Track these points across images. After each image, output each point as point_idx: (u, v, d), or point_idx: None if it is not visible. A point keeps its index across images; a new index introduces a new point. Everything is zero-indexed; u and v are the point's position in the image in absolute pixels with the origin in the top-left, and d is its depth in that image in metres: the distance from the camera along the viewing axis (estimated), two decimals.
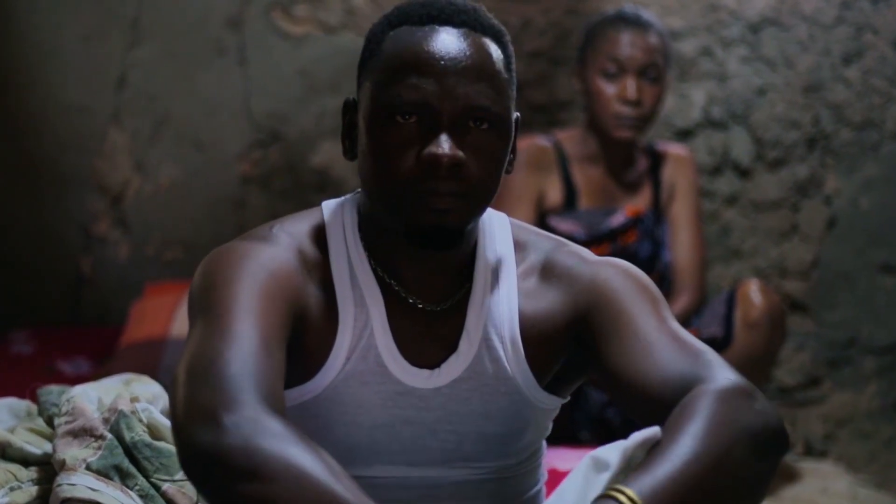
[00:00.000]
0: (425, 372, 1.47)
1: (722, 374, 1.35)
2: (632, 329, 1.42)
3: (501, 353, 1.49)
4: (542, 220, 2.94)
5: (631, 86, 2.85)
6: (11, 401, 1.76)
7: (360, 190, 1.52)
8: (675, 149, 3.10)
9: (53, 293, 3.58)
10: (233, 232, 3.46)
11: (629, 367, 1.40)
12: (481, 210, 1.45)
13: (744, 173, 3.48)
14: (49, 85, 3.52)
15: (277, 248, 1.45)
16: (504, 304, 1.50)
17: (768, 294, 2.87)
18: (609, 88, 2.87)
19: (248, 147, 3.53)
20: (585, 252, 1.54)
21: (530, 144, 2.95)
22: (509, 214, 1.60)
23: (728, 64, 3.45)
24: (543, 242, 1.55)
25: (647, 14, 2.96)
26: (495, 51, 1.43)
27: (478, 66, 1.40)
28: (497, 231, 1.53)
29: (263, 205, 3.53)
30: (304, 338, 1.44)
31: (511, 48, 1.46)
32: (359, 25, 3.48)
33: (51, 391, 1.71)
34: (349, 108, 1.48)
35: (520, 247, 1.54)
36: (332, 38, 3.51)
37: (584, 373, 1.55)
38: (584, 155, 2.97)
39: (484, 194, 1.43)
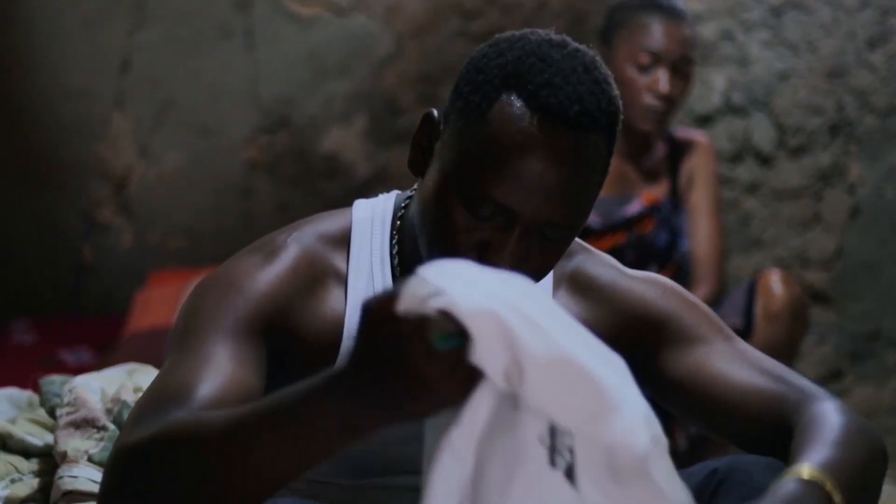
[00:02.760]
0: None
1: (819, 389, 1.36)
2: (703, 348, 1.41)
3: None
4: None
5: (664, 79, 2.82)
6: (12, 391, 1.76)
7: (408, 195, 1.43)
8: (694, 135, 3.09)
9: (55, 282, 3.60)
10: (238, 219, 3.48)
11: (715, 378, 1.38)
12: None
13: (765, 161, 3.47)
14: (50, 69, 3.52)
15: (276, 268, 1.36)
16: None
17: (790, 285, 2.85)
18: (640, 79, 2.84)
19: (255, 132, 3.53)
20: (617, 262, 1.48)
21: None
22: None
23: (749, 48, 3.44)
24: (580, 252, 1.48)
25: (678, 0, 2.93)
26: (601, 155, 1.31)
27: (572, 182, 1.28)
28: None
29: (270, 192, 3.53)
30: (302, 359, 1.36)
31: (619, 124, 1.34)
32: (369, 7, 3.49)
33: (52, 381, 1.70)
34: (431, 123, 1.36)
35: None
36: (342, 21, 3.50)
37: None
38: None
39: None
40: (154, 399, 1.24)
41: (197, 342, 1.28)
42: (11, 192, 3.57)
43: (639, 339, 1.43)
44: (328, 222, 1.43)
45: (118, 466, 1.17)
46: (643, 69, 2.83)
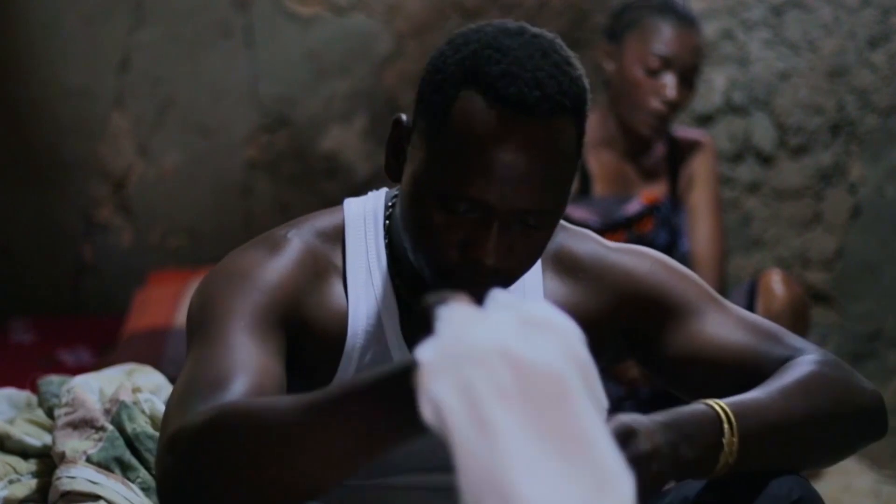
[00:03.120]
0: None
1: (814, 348, 1.37)
2: (697, 320, 1.42)
3: None
4: None
5: (672, 85, 2.83)
6: (11, 391, 1.75)
7: (395, 192, 1.44)
8: (694, 135, 3.09)
9: (54, 281, 3.59)
10: (238, 219, 3.48)
11: (711, 348, 1.40)
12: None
13: (766, 160, 3.47)
14: (50, 67, 3.51)
15: (283, 260, 1.38)
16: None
17: (790, 285, 2.85)
18: (647, 82, 2.84)
19: (255, 132, 3.53)
20: (597, 236, 1.49)
21: None
22: None
23: (750, 47, 3.44)
24: (559, 231, 1.48)
25: (689, 6, 2.94)
26: (570, 138, 1.30)
27: (543, 170, 1.29)
28: None
29: (270, 191, 3.52)
30: (309, 352, 1.38)
31: (588, 104, 1.33)
32: (369, 6, 3.48)
33: (51, 381, 1.71)
34: (400, 127, 1.37)
35: None
36: (341, 20, 3.50)
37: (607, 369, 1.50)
38: (600, 139, 2.95)
39: (523, 274, 1.37)
40: (193, 389, 1.24)
41: (221, 333, 1.29)
42: (10, 191, 3.56)
43: (634, 320, 1.44)
44: (322, 219, 1.44)
45: (179, 448, 1.16)
46: (651, 72, 2.83)
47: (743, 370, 1.38)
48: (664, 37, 2.84)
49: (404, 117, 1.37)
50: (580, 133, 1.32)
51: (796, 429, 1.29)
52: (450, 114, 1.30)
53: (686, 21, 2.86)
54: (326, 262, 1.41)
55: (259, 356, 1.27)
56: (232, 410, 1.16)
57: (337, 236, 1.43)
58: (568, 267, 1.46)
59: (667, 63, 2.83)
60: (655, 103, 2.83)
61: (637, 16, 2.88)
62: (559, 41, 1.34)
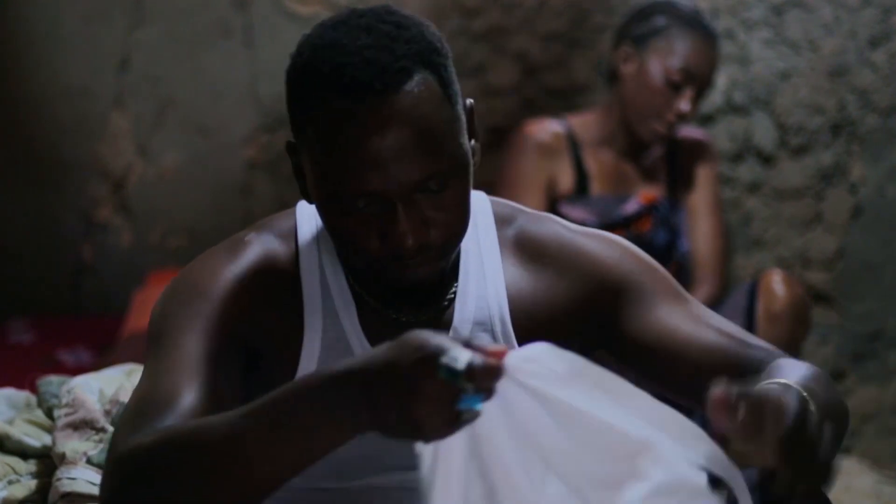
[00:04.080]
0: None
1: (781, 353, 1.36)
2: (665, 312, 1.41)
3: None
4: (552, 207, 2.91)
5: (688, 99, 2.85)
6: (10, 392, 1.75)
7: None
8: (694, 134, 3.09)
9: (53, 281, 3.58)
10: (238, 219, 3.49)
11: (684, 340, 1.39)
12: (457, 247, 1.38)
13: (766, 160, 3.46)
14: (49, 67, 3.51)
15: (239, 267, 1.38)
16: (493, 300, 1.42)
17: (791, 285, 2.85)
18: (666, 93, 2.85)
19: (255, 131, 3.52)
20: (558, 218, 1.47)
21: (540, 129, 2.94)
22: (518, 202, 1.53)
23: (750, 47, 3.43)
24: (518, 216, 1.48)
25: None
26: (428, 94, 1.28)
27: (415, 136, 1.27)
28: (479, 218, 1.46)
29: (270, 191, 3.52)
30: (269, 357, 1.38)
31: (443, 55, 1.32)
32: (368, 5, 3.44)
33: (50, 382, 1.71)
34: (293, 150, 1.37)
35: (500, 224, 1.47)
36: None
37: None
38: (599, 138, 2.95)
39: (457, 240, 1.36)
40: (141, 408, 1.25)
41: (172, 347, 1.30)
42: (10, 190, 3.55)
43: (601, 305, 1.42)
44: (280, 221, 1.44)
45: (120, 473, 1.18)
46: (672, 84, 2.84)
47: (714, 365, 1.35)
48: (690, 51, 2.85)
49: (293, 140, 1.37)
50: (444, 80, 1.30)
51: (830, 420, 1.22)
52: (310, 125, 1.30)
53: (711, 37, 2.88)
54: (283, 263, 1.41)
55: (208, 369, 1.28)
56: (176, 433, 1.18)
57: (292, 237, 1.42)
58: (531, 253, 1.44)
59: (689, 78, 2.84)
60: (669, 115, 2.85)
61: (664, 24, 2.88)
62: (389, 7, 1.34)
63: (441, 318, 1.41)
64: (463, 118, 1.33)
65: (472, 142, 1.36)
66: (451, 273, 1.42)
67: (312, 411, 1.10)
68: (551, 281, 1.43)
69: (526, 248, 1.45)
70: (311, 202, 1.38)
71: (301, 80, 1.31)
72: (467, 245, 1.42)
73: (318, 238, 1.42)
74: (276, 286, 1.39)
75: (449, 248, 1.34)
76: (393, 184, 1.28)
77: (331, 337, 1.39)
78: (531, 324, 1.42)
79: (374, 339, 1.38)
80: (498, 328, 1.41)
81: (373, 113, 1.27)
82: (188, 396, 1.25)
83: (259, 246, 1.40)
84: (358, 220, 1.30)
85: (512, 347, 1.37)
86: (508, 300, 1.42)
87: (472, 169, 1.34)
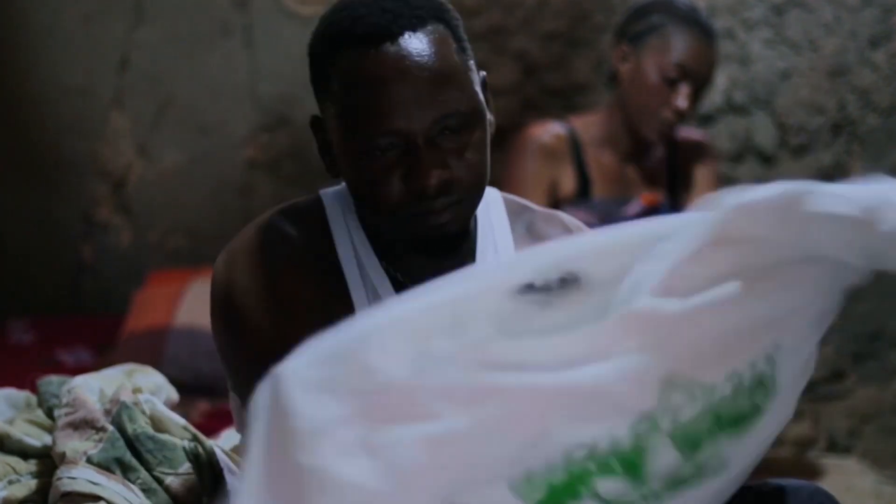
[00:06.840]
0: None
1: None
2: None
3: None
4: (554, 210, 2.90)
5: (684, 96, 2.83)
6: (10, 392, 1.75)
7: None
8: (694, 135, 3.08)
9: (53, 281, 3.59)
10: (238, 219, 3.49)
11: None
12: (479, 202, 1.44)
13: (767, 160, 3.46)
14: (49, 66, 3.52)
15: (279, 242, 1.45)
16: None
17: None
18: (663, 90, 2.84)
19: (255, 131, 3.53)
20: (566, 217, 1.55)
21: (543, 131, 2.93)
22: None
23: (751, 47, 3.43)
24: (528, 211, 1.55)
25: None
26: (443, 40, 1.39)
27: (433, 75, 1.37)
28: (491, 206, 1.53)
29: (270, 191, 3.53)
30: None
31: (455, 17, 1.42)
32: None
33: (51, 382, 1.71)
34: (318, 125, 1.45)
35: (512, 216, 1.54)
36: None
37: None
38: (601, 139, 2.94)
39: (478, 189, 1.42)
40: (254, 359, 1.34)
41: (244, 320, 1.40)
42: (10, 190, 3.57)
43: None
44: (303, 207, 1.50)
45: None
46: (668, 81, 2.83)
47: None
48: (686, 48, 2.84)
49: (318, 115, 1.45)
50: (457, 36, 1.40)
51: None
52: (334, 76, 1.38)
53: (708, 35, 2.87)
54: (319, 248, 1.46)
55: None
56: None
57: (323, 226, 1.48)
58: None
59: (685, 74, 2.83)
60: (667, 112, 2.84)
61: (660, 21, 2.88)
62: None
63: None
64: (477, 78, 1.41)
65: (482, 76, 1.44)
66: (469, 254, 1.48)
67: None
68: None
69: (535, 244, 1.49)
70: (335, 176, 1.44)
71: (322, 38, 1.40)
72: (484, 228, 1.49)
73: (347, 224, 1.47)
74: (317, 264, 1.45)
75: (470, 195, 1.40)
76: (416, 119, 1.35)
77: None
78: None
79: None
80: None
81: (392, 54, 1.35)
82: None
83: (291, 226, 1.46)
84: (381, 165, 1.37)
85: None
86: None
87: (488, 126, 1.42)
